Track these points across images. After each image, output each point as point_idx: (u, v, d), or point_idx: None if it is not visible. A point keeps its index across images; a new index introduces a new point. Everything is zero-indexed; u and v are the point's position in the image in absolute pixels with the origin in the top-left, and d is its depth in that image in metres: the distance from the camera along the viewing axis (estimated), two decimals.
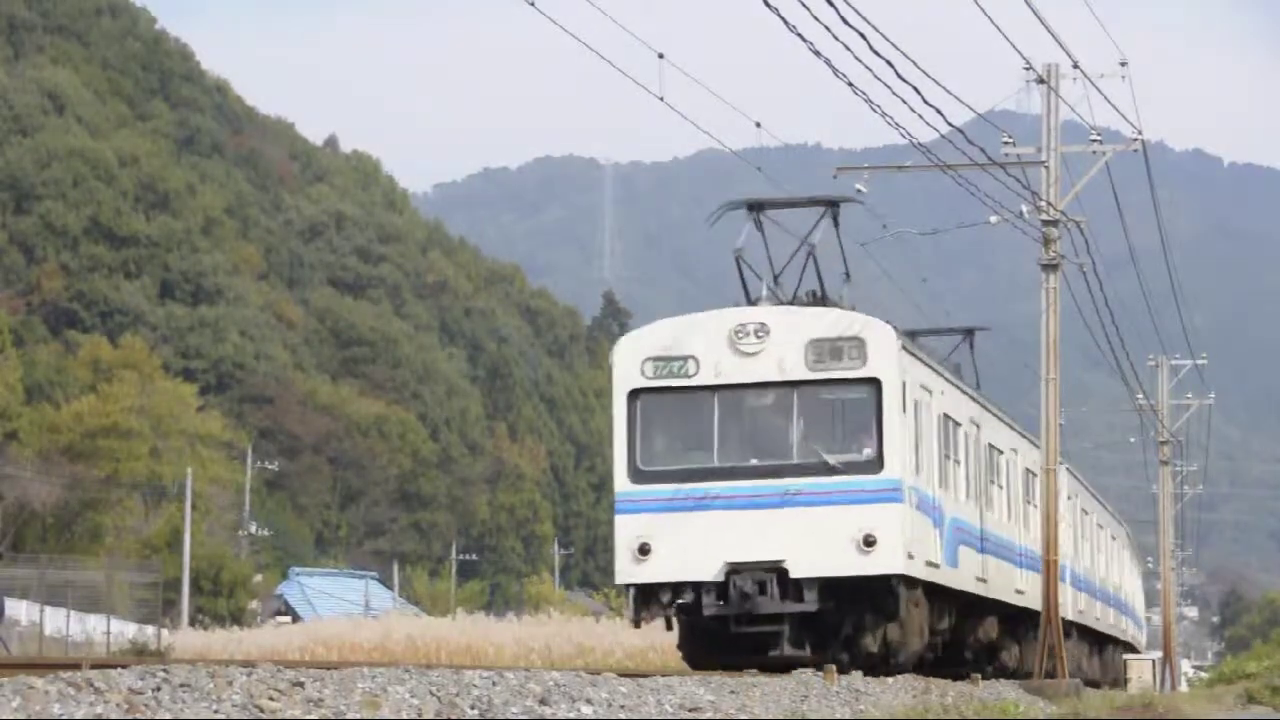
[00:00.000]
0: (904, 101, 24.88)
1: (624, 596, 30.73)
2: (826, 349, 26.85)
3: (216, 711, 11.71)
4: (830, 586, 26.38)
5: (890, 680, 24.53)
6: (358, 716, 12.45)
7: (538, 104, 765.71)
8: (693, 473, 26.92)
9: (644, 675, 19.13)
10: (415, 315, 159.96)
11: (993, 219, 35.70)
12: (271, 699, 12.30)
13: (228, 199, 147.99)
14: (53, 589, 67.75)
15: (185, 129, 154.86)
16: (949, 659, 32.26)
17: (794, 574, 26.23)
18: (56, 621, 65.90)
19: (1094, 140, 37.96)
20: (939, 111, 26.04)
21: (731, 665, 25.26)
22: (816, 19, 20.56)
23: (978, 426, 33.36)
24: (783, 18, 20.09)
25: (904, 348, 27.51)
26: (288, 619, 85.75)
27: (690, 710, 16.59)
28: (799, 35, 21.01)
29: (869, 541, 26.23)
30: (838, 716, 18.98)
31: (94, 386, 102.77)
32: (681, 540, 26.45)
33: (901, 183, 45.74)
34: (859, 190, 35.77)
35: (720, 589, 26.38)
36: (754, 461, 26.98)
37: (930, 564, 28.46)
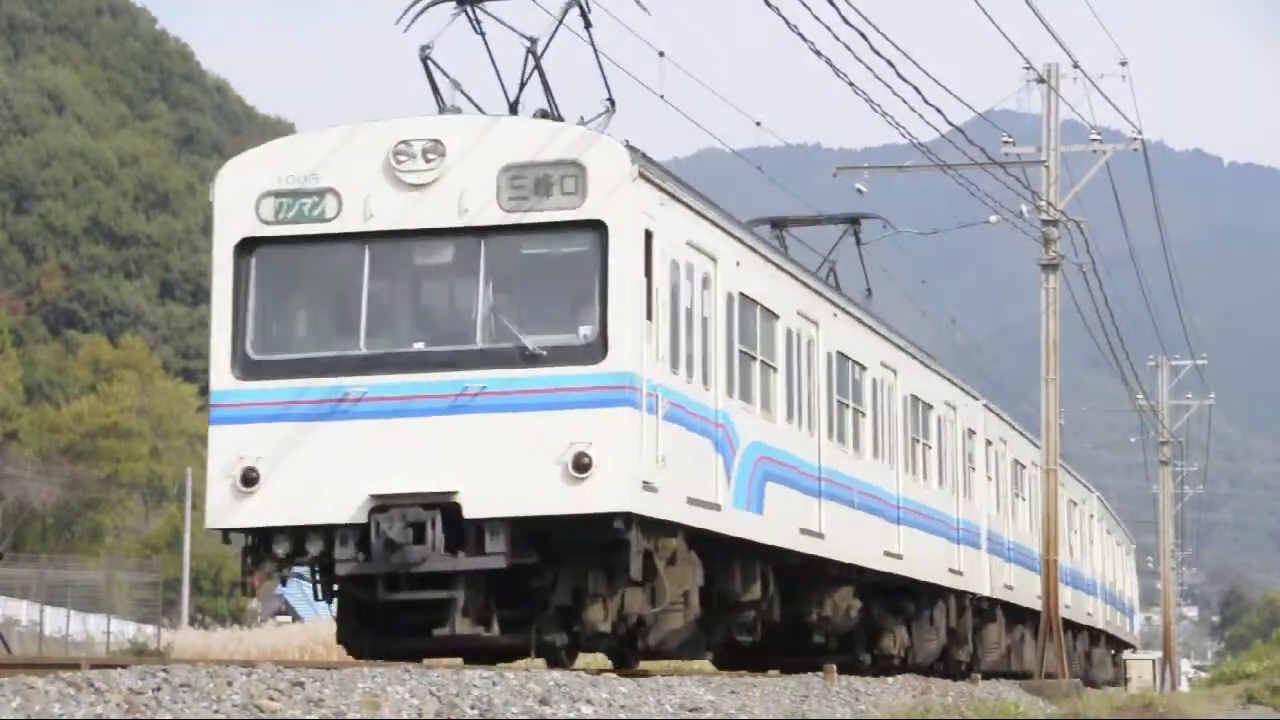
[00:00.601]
0: (904, 101, 24.89)
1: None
2: (530, 179, 18.59)
3: (216, 711, 11.71)
4: (528, 532, 18.47)
5: (890, 680, 24.52)
6: (358, 716, 12.44)
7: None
8: (327, 363, 18.78)
9: (644, 675, 19.13)
10: None
11: (993, 219, 35.75)
12: (271, 699, 12.30)
13: None
14: (53, 589, 67.84)
15: (185, 129, 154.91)
16: (787, 644, 25.61)
17: (470, 513, 18.25)
18: (56, 621, 65.94)
19: (1094, 140, 38.07)
20: (939, 111, 26.05)
21: (387, 654, 18.71)
22: (817, 19, 20.58)
23: (816, 325, 24.87)
24: (783, 17, 20.10)
25: (647, 178, 19.04)
26: (288, 619, 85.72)
27: (690, 710, 16.57)
28: (799, 35, 21.02)
29: (581, 465, 18.15)
30: (838, 716, 18.98)
31: (94, 386, 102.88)
32: (307, 463, 18.52)
33: (901, 183, 45.77)
34: (859, 190, 35.86)
35: (361, 535, 18.33)
36: (419, 346, 18.86)
37: (700, 503, 20.14)
